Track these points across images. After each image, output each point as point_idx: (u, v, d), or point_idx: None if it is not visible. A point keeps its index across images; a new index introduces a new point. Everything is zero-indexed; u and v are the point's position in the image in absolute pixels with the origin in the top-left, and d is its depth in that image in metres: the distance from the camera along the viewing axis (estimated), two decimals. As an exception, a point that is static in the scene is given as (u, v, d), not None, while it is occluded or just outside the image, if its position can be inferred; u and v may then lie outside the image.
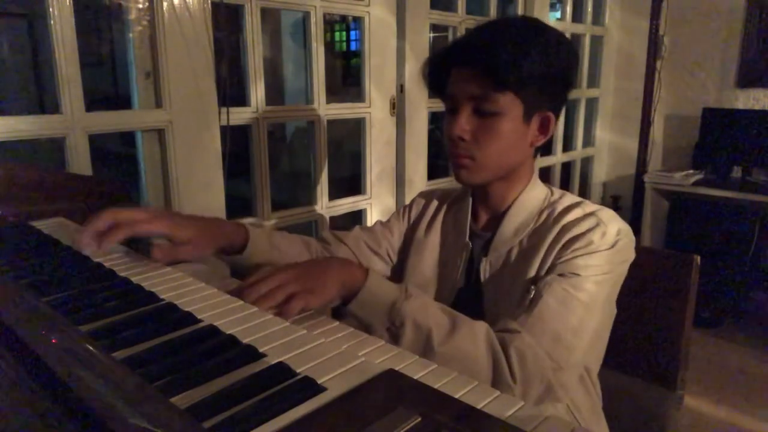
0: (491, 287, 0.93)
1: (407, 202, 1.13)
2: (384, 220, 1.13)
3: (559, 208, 0.91)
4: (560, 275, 0.82)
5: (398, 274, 1.08)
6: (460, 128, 0.87)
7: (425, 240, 1.05)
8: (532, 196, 0.94)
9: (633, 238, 0.88)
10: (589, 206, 0.90)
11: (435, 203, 1.09)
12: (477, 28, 0.89)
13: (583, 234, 0.84)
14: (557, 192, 0.96)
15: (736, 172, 3.00)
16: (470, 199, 1.00)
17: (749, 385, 2.36)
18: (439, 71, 0.92)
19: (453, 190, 1.10)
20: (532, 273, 0.86)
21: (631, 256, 0.88)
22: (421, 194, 1.14)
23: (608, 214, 0.88)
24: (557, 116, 0.92)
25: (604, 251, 0.83)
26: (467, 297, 0.97)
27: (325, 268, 0.72)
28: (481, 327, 0.76)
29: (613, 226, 0.85)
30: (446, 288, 1.00)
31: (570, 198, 0.94)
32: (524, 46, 0.83)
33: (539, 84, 0.85)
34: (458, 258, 0.99)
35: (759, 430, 2.09)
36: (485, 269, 0.94)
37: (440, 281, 1.01)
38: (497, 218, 0.96)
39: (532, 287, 0.83)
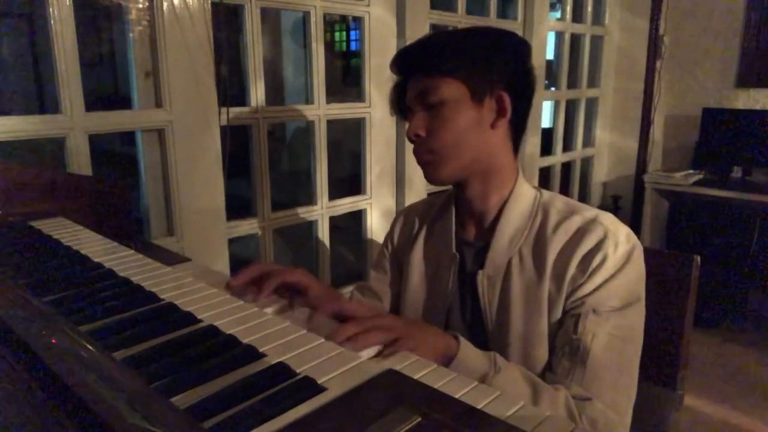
0: (492, 302, 0.89)
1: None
2: (375, 259, 1.11)
3: (554, 212, 0.88)
4: (594, 312, 0.80)
5: (396, 300, 1.05)
6: (414, 126, 0.87)
7: (410, 257, 1.01)
8: (521, 200, 0.90)
9: (640, 245, 0.85)
10: (586, 210, 0.87)
11: (416, 218, 1.05)
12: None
13: (595, 248, 0.82)
14: (546, 193, 0.92)
15: (736, 172, 3.00)
16: (453, 208, 0.96)
17: (749, 385, 2.36)
18: (400, 95, 0.93)
19: (434, 201, 1.05)
20: (543, 291, 0.84)
21: (644, 271, 0.85)
22: (401, 212, 1.11)
23: (610, 219, 0.86)
24: (518, 96, 0.88)
25: (625, 269, 0.81)
26: (462, 313, 0.94)
27: (426, 329, 0.72)
28: (561, 395, 0.75)
29: (620, 232, 0.83)
30: (437, 304, 0.96)
31: (562, 200, 0.90)
32: (449, 32, 0.95)
33: (480, 64, 0.85)
34: (447, 271, 0.94)
35: (759, 430, 2.08)
36: (483, 283, 0.89)
37: (429, 297, 0.98)
38: (487, 226, 0.92)
39: (569, 322, 0.81)
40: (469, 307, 0.93)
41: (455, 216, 0.96)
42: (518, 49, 0.91)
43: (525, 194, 0.90)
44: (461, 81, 0.85)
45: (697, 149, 3.12)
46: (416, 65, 0.88)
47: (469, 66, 0.85)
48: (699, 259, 1.02)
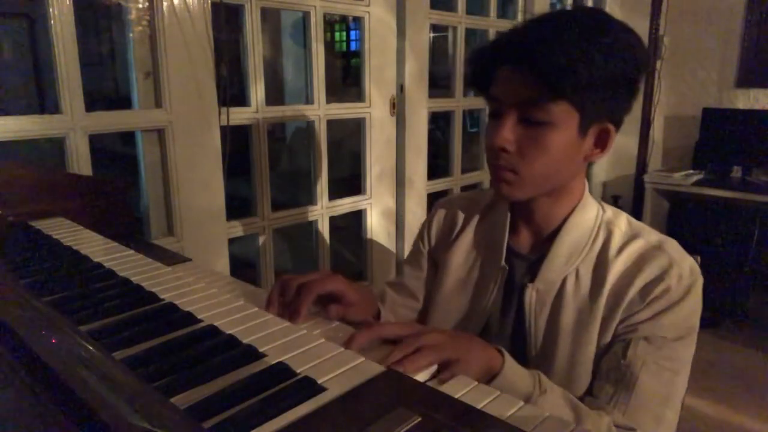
0: (539, 318, 0.83)
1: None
2: (409, 254, 1.03)
3: (618, 233, 0.83)
4: (646, 339, 0.76)
5: (427, 300, 0.99)
6: (503, 138, 0.75)
7: (449, 258, 0.93)
8: (585, 215, 0.83)
9: (701, 278, 0.81)
10: (649, 233, 0.83)
11: (460, 215, 0.96)
12: (532, 20, 0.77)
13: (658, 278, 0.77)
14: (608, 208, 0.86)
15: (736, 172, 3.00)
16: (508, 214, 0.88)
17: (749, 385, 2.36)
18: (485, 68, 0.80)
19: (479, 198, 0.97)
20: (597, 314, 0.79)
21: (701, 304, 0.81)
22: (441, 205, 1.01)
23: (674, 247, 0.81)
24: (618, 127, 0.79)
25: (684, 301, 0.77)
26: (503, 326, 0.88)
27: (471, 345, 0.67)
28: (604, 423, 0.71)
29: (684, 264, 0.79)
30: (475, 315, 0.89)
31: (625, 219, 0.85)
32: (584, 48, 0.70)
33: (600, 92, 0.73)
34: (492, 282, 0.88)
35: (759, 430, 2.08)
36: (531, 298, 0.83)
37: (467, 306, 0.91)
38: (545, 238, 0.85)
39: (615, 348, 0.78)
40: (511, 319, 0.87)
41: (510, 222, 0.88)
42: (640, 69, 0.76)
43: (589, 209, 0.84)
44: (575, 107, 0.73)
45: (697, 149, 3.12)
46: (531, 69, 0.72)
47: (591, 93, 0.72)
48: (699, 259, 1.02)
